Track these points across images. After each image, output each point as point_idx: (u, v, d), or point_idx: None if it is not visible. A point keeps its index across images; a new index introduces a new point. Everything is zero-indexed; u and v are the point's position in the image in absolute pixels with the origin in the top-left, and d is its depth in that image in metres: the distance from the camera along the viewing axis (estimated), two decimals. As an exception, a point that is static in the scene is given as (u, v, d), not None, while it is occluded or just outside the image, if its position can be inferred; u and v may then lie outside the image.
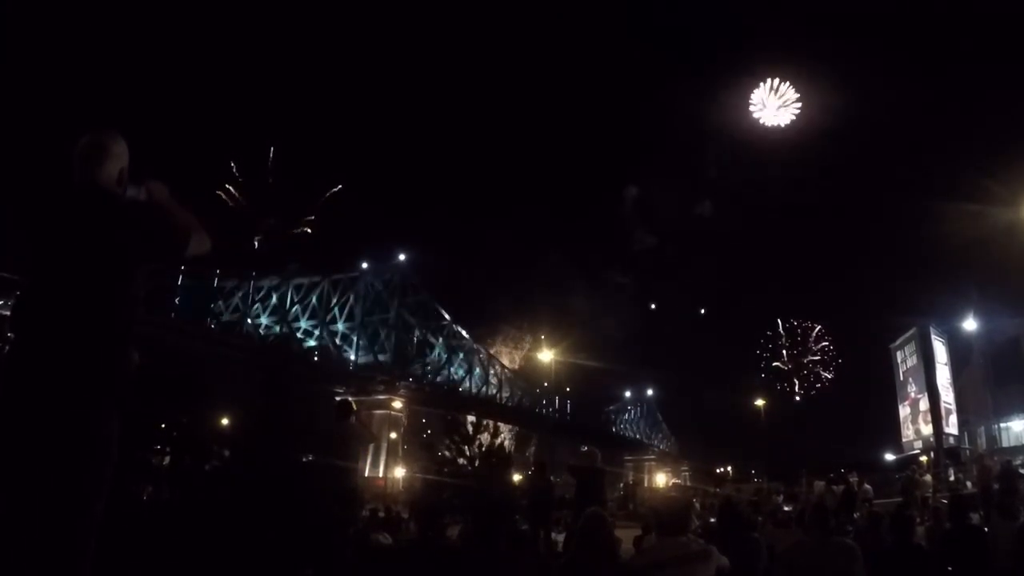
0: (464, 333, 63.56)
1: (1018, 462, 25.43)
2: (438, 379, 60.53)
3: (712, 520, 12.92)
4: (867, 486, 21.01)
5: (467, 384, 62.92)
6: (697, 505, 23.15)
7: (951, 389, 40.10)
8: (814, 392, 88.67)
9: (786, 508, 16.52)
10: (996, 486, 15.56)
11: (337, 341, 56.34)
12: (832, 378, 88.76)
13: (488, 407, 53.86)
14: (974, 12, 69.44)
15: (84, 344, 2.55)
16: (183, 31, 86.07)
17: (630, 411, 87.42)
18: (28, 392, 2.46)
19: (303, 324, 55.73)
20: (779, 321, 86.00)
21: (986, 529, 7.56)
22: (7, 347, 2.63)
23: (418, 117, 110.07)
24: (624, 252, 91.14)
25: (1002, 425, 39.48)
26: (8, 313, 2.85)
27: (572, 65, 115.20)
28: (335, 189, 75.69)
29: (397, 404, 54.61)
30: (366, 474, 37.95)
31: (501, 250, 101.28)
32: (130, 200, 2.84)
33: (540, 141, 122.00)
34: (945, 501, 14.68)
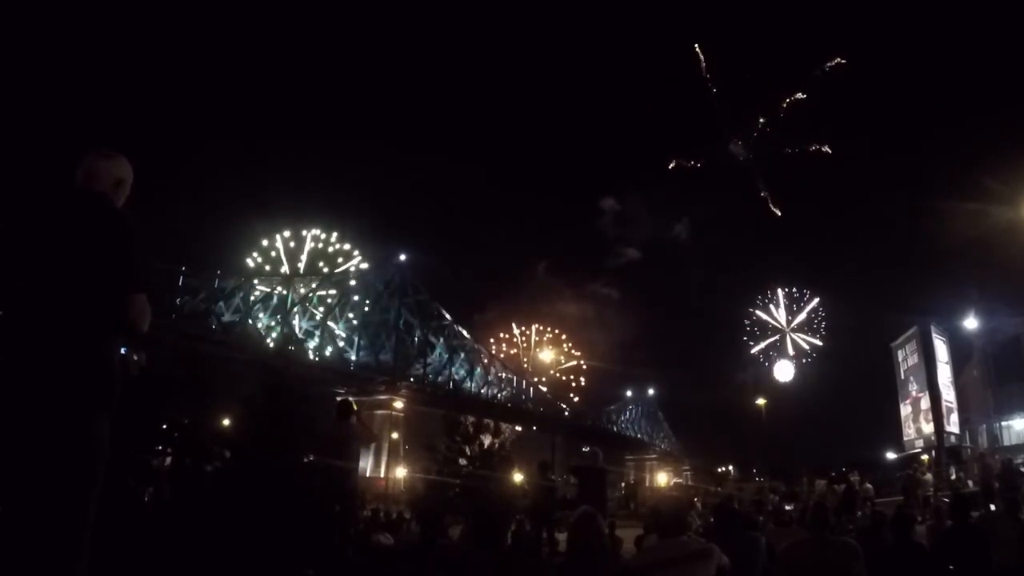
0: (465, 333, 63.49)
1: (1019, 460, 25.42)
2: (439, 379, 60.42)
3: (712, 520, 12.91)
4: (868, 485, 21.00)
5: (468, 384, 62.84)
6: (698, 505, 23.16)
7: (952, 388, 40.04)
8: (807, 360, 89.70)
9: (787, 507, 16.51)
10: (997, 484, 15.57)
11: (338, 342, 56.29)
12: (823, 346, 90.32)
13: (489, 407, 53.76)
14: (973, 10, 69.44)
15: (68, 341, 2.54)
16: (182, 33, 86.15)
17: (631, 410, 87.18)
18: (15, 390, 2.46)
19: (303, 325, 55.66)
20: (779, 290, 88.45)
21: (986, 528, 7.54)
22: None
23: (420, 122, 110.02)
24: (623, 253, 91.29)
25: (1003, 423, 39.41)
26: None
27: (572, 69, 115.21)
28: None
29: (398, 404, 54.50)
30: (367, 475, 37.98)
31: (500, 253, 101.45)
32: (124, 211, 2.88)
33: (539, 143, 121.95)
34: (946, 500, 14.70)
